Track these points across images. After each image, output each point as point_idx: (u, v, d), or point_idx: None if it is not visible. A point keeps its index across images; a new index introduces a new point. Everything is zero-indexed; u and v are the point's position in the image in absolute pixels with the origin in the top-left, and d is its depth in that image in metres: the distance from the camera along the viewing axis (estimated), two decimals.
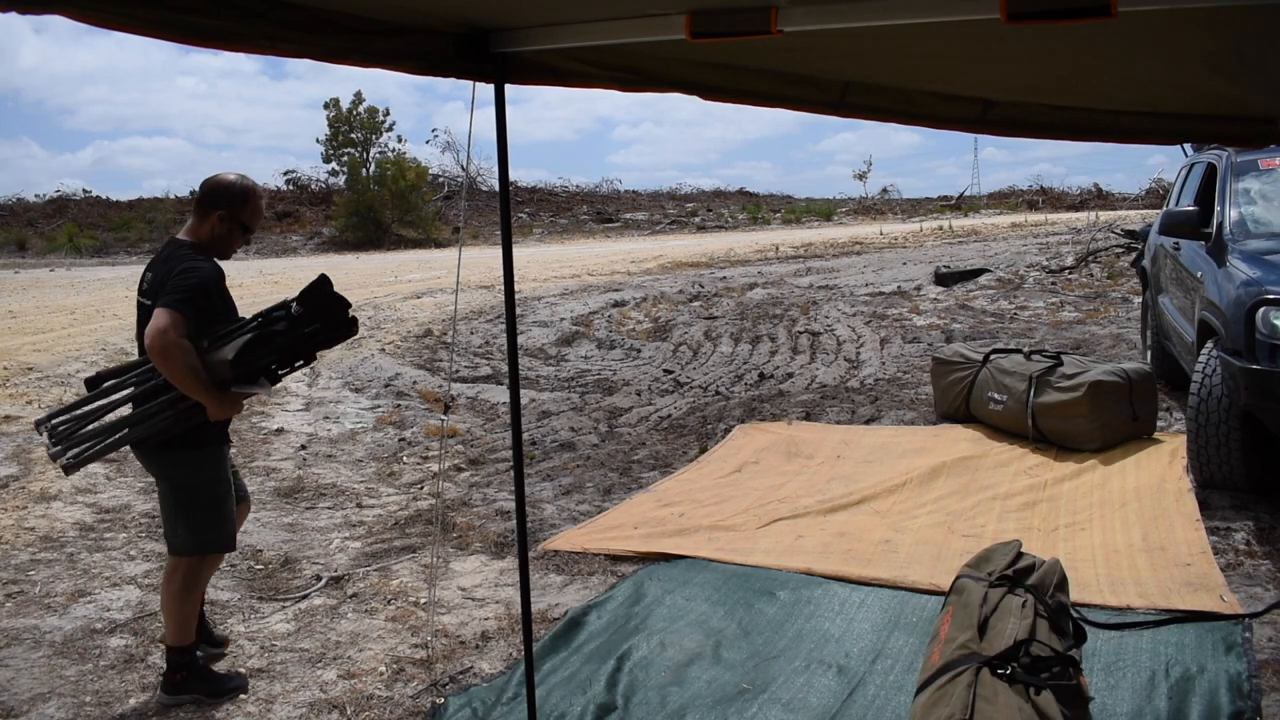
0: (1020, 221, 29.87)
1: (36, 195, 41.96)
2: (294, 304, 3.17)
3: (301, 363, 3.24)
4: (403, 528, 5.02)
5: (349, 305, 3.27)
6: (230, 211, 3.16)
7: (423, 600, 4.04)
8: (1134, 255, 11.53)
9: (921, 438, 6.31)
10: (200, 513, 3.19)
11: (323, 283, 3.21)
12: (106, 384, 3.23)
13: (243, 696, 3.28)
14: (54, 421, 3.15)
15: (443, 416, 6.05)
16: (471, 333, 11.65)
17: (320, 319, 3.19)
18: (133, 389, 3.20)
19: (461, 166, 43.90)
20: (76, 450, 3.07)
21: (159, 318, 2.93)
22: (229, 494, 3.28)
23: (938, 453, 5.82)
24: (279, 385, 3.28)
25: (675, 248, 26.10)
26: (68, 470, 3.07)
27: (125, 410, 3.21)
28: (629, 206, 46.12)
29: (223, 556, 3.41)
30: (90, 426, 3.14)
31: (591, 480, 5.76)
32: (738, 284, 15.60)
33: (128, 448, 3.23)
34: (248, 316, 3.19)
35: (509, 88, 2.56)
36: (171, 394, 3.07)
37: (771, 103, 2.61)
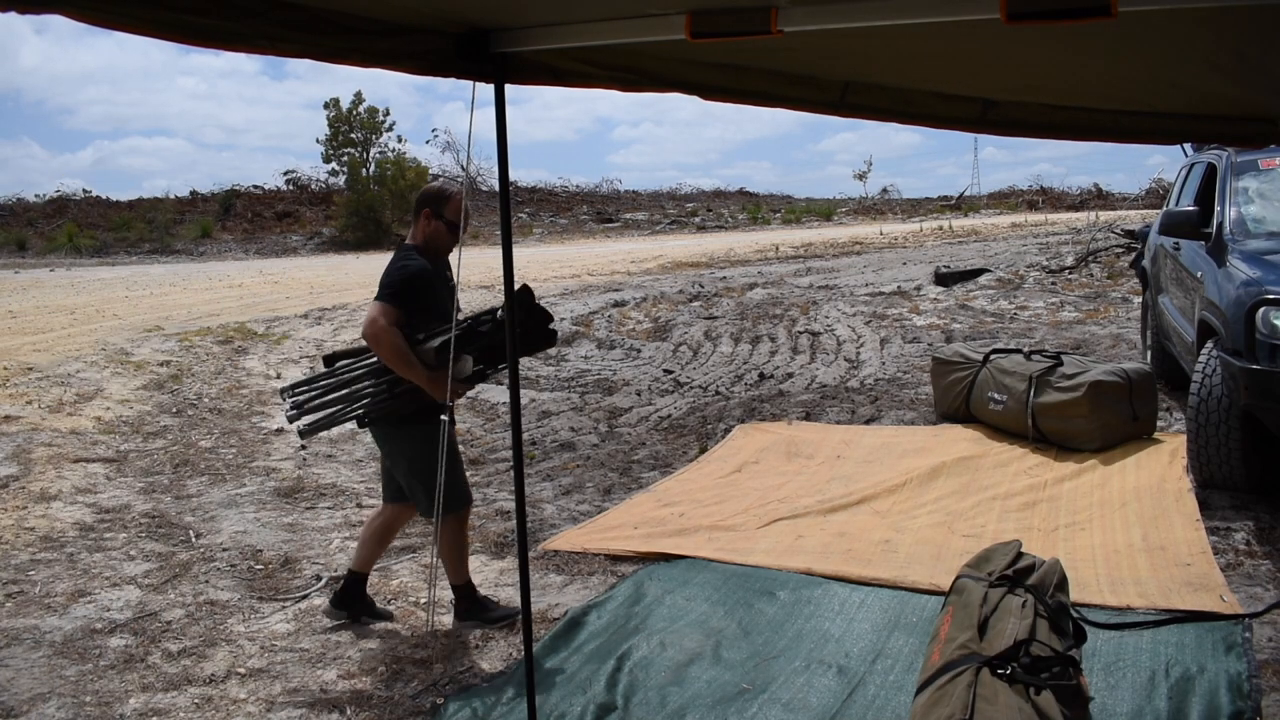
0: (1020, 221, 29.89)
1: (36, 195, 42.00)
2: (499, 311, 3.43)
3: (504, 366, 3.47)
4: (403, 527, 5.01)
5: (550, 319, 3.64)
6: (434, 209, 3.58)
7: (423, 600, 4.04)
8: (1134, 255, 11.53)
9: (921, 438, 6.31)
10: (431, 480, 3.51)
11: (525, 294, 3.48)
12: (340, 364, 3.74)
13: (243, 696, 3.28)
14: (295, 390, 3.66)
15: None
16: None
17: (522, 327, 3.45)
18: (364, 370, 3.66)
19: (461, 166, 43.89)
20: (311, 419, 3.59)
21: (371, 309, 3.43)
22: (455, 460, 3.69)
23: (938, 453, 5.82)
24: (481, 381, 3.67)
25: (675, 248, 26.12)
26: (303, 435, 3.66)
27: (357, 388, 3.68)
28: (629, 206, 46.12)
29: (469, 509, 3.90)
30: (325, 398, 3.62)
31: (591, 480, 5.76)
32: (738, 284, 15.60)
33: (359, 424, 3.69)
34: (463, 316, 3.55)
35: (509, 88, 2.56)
36: (390, 377, 3.52)
37: (771, 103, 2.62)
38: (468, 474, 5.96)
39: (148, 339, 10.85)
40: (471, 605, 3.82)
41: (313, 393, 3.65)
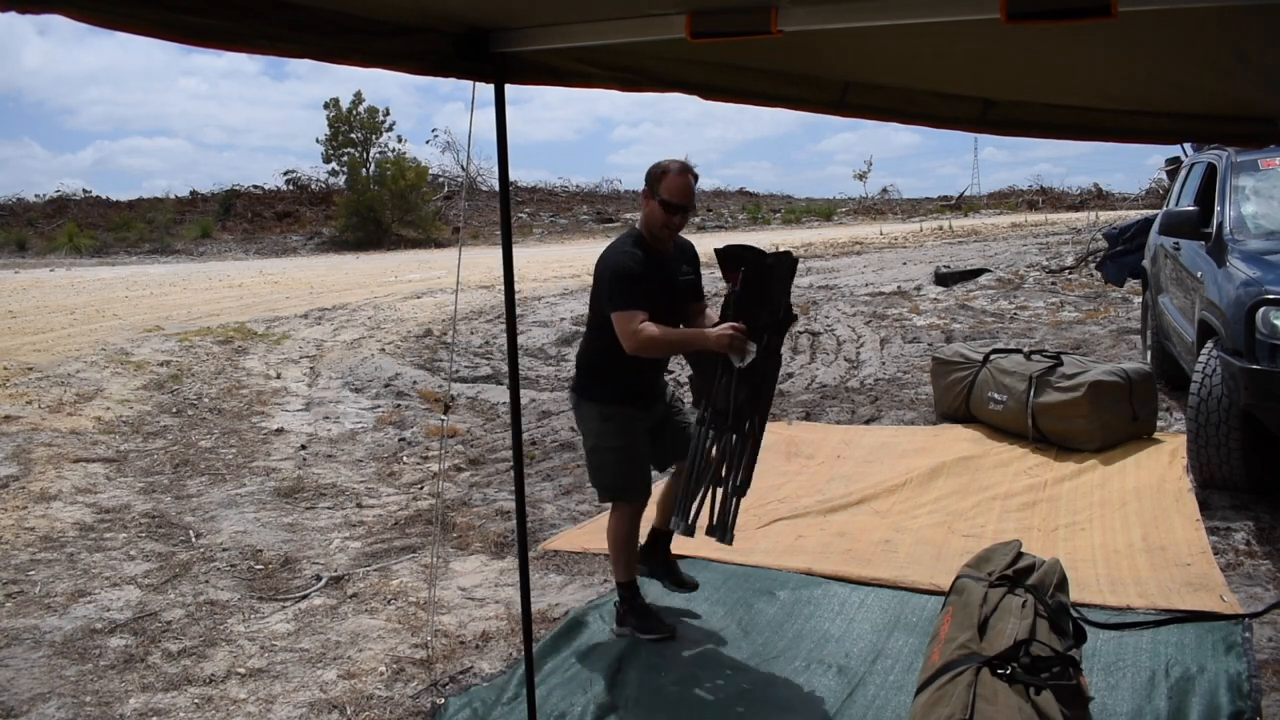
0: (1020, 221, 29.89)
1: (36, 195, 42.02)
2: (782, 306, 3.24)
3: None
4: (403, 528, 5.02)
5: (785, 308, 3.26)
6: (651, 188, 3.35)
7: (423, 600, 4.04)
8: (1099, 255, 11.54)
9: (921, 438, 6.31)
10: (593, 458, 3.49)
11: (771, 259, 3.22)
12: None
13: (243, 696, 3.28)
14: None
15: (443, 416, 6.01)
16: (471, 333, 11.65)
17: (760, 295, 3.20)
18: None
19: (461, 166, 43.91)
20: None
21: (616, 322, 3.20)
22: (628, 452, 3.43)
23: (938, 453, 5.82)
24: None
25: None
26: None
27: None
28: (629, 206, 46.09)
29: (640, 505, 3.53)
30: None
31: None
32: None
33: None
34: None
35: (509, 88, 2.57)
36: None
37: (771, 103, 2.62)
38: (467, 474, 5.98)
39: (148, 339, 10.85)
40: (629, 610, 3.60)
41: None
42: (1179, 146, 7.71)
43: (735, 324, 3.09)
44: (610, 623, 3.68)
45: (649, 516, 3.73)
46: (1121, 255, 9.97)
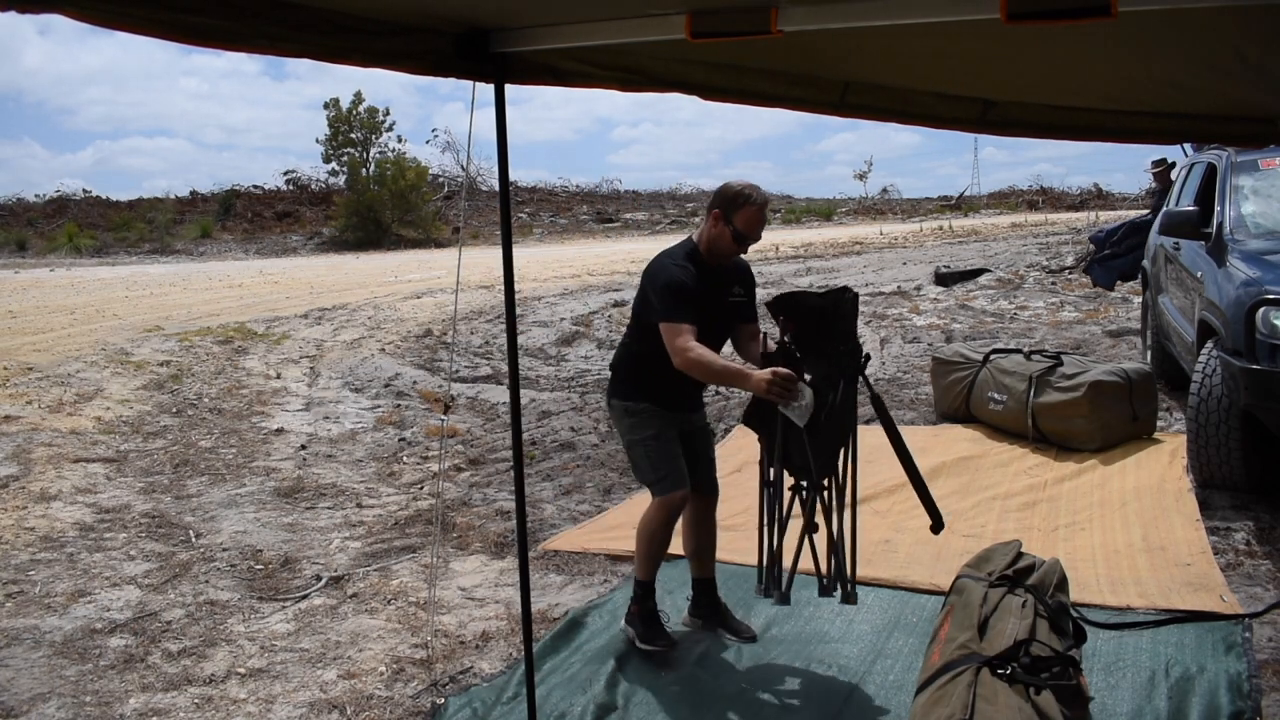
0: (1020, 221, 29.90)
1: (36, 195, 42.03)
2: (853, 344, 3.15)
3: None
4: (403, 528, 5.02)
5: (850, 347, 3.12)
6: (725, 212, 3.21)
7: (423, 600, 4.04)
8: (1084, 260, 11.51)
9: (921, 438, 6.30)
10: (630, 455, 3.47)
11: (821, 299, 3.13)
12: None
13: (243, 696, 3.28)
14: None
15: (443, 416, 6.04)
16: (471, 333, 11.65)
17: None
18: None
19: (461, 166, 43.92)
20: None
21: (665, 334, 3.12)
22: (657, 442, 3.34)
23: (938, 453, 5.82)
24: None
25: None
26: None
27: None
28: (629, 206, 46.12)
29: (680, 499, 3.38)
30: None
31: (591, 480, 5.76)
32: None
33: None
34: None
35: (509, 88, 2.56)
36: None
37: (771, 103, 2.62)
38: (467, 474, 5.98)
39: (148, 339, 10.85)
40: (639, 614, 3.47)
41: None
42: (1179, 146, 7.72)
43: (780, 370, 2.96)
44: (610, 621, 3.68)
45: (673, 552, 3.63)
46: (1110, 259, 9.97)
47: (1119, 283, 10.37)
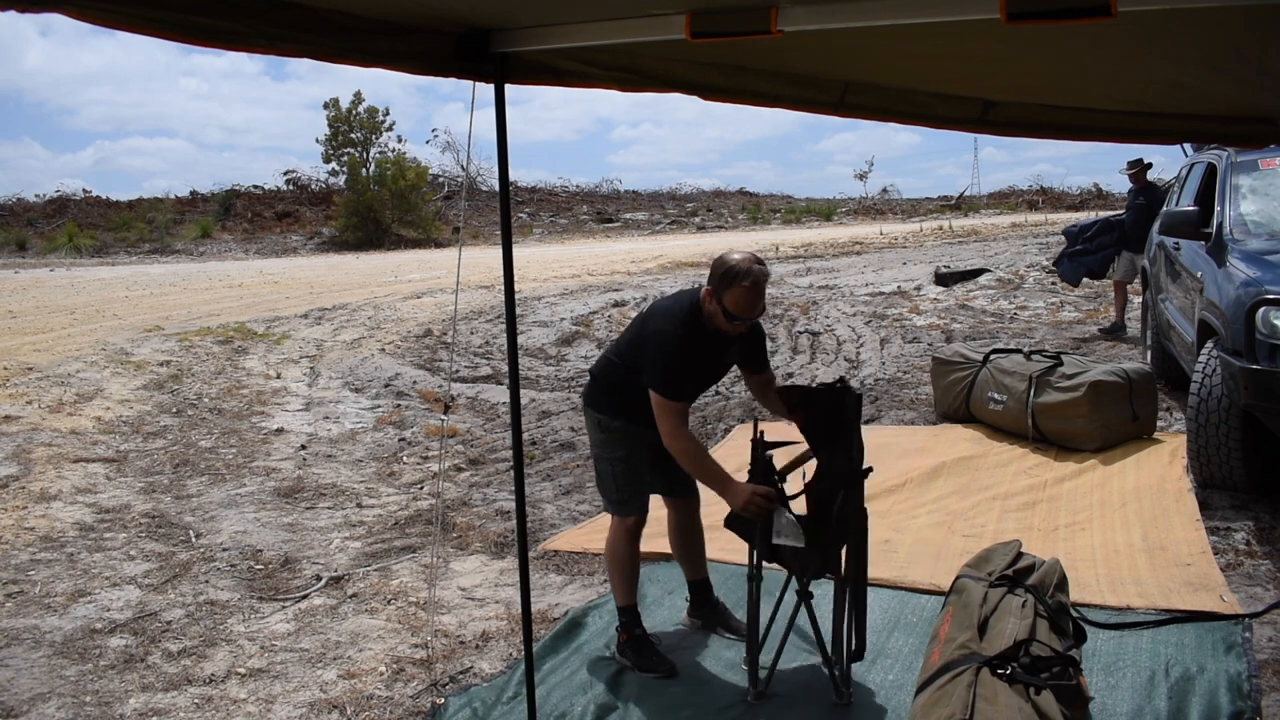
0: (1020, 221, 29.88)
1: (37, 195, 41.98)
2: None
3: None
4: (403, 528, 5.02)
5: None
6: (716, 289, 3.06)
7: (423, 600, 4.04)
8: (1056, 254, 11.46)
9: (921, 438, 6.31)
10: (595, 467, 3.43)
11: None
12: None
13: (243, 696, 3.28)
14: None
15: (443, 416, 6.04)
16: (471, 333, 11.65)
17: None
18: None
19: (461, 166, 43.92)
20: None
21: (656, 407, 3.08)
22: (626, 465, 3.32)
23: (938, 453, 5.82)
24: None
25: (675, 248, 26.10)
26: None
27: None
28: (629, 206, 46.12)
29: (637, 523, 3.38)
30: None
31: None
32: None
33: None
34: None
35: (509, 88, 2.57)
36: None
37: (771, 103, 2.62)
38: (467, 474, 5.98)
39: (148, 339, 10.85)
40: (629, 642, 3.41)
41: None
42: (1179, 146, 7.71)
43: (760, 488, 3.00)
44: (610, 621, 3.67)
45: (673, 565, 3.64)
46: (1079, 255, 9.98)
47: (1085, 279, 10.45)
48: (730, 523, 3.19)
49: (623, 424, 3.31)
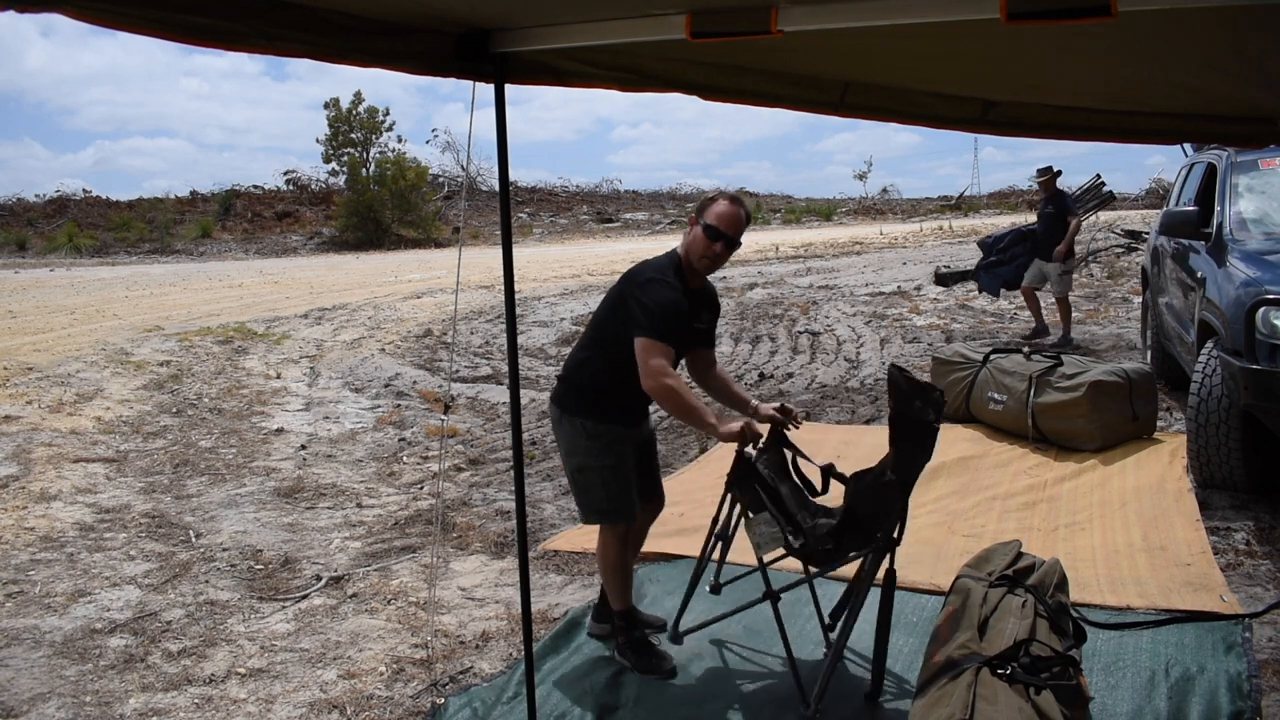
0: (1020, 221, 29.87)
1: (37, 195, 42.01)
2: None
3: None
4: (403, 528, 5.01)
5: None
6: (697, 213, 3.20)
7: (423, 600, 4.04)
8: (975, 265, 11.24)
9: None
10: (580, 478, 3.29)
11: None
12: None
13: (243, 696, 3.28)
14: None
15: (443, 416, 6.04)
16: (471, 333, 11.65)
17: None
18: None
19: (461, 166, 43.92)
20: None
21: (641, 348, 3.01)
22: (617, 471, 3.25)
23: (938, 453, 5.76)
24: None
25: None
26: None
27: None
28: (629, 206, 46.13)
29: (624, 533, 3.34)
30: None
31: None
32: (737, 284, 15.59)
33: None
34: None
35: (509, 88, 2.57)
36: None
37: (771, 103, 2.62)
38: (467, 474, 5.98)
39: (148, 339, 10.85)
40: (628, 644, 3.39)
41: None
42: (1179, 146, 7.71)
43: (753, 424, 3.06)
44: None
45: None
46: (995, 266, 9.91)
47: (1004, 289, 10.35)
48: (733, 483, 3.14)
49: (609, 427, 3.22)
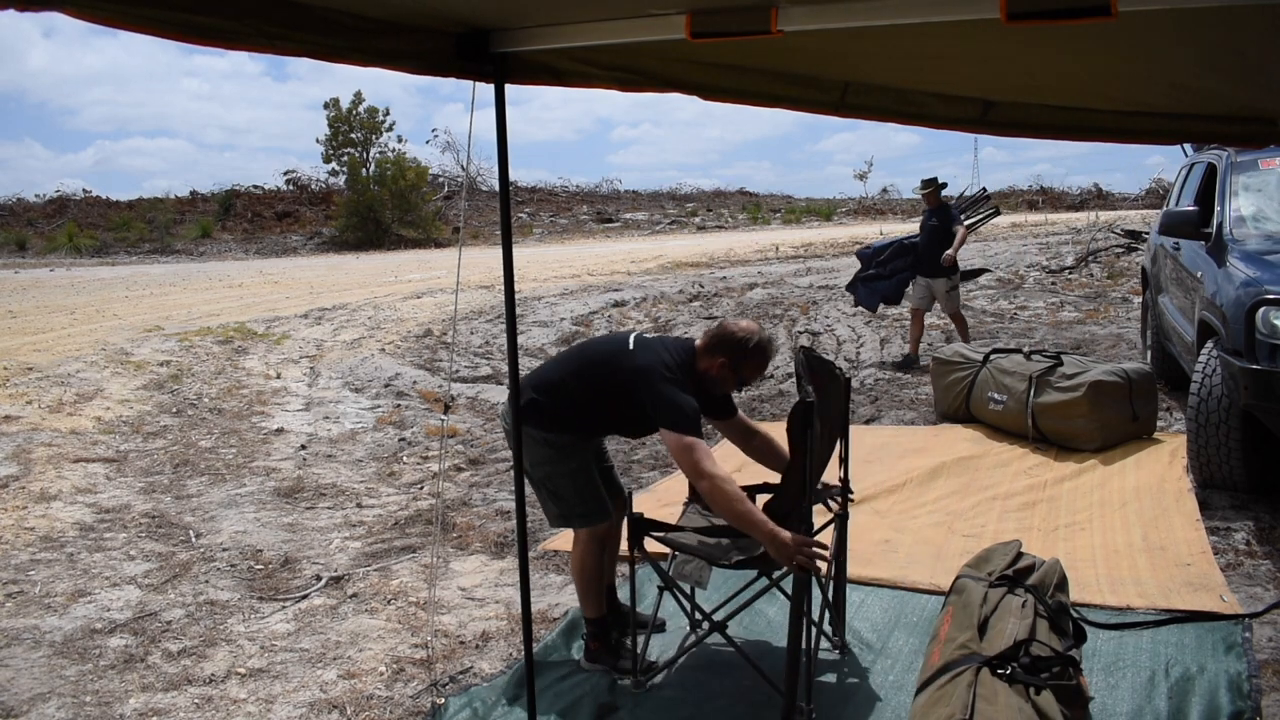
0: (1020, 221, 29.88)
1: (37, 195, 42.05)
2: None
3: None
4: (403, 528, 5.02)
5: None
6: (733, 361, 3.15)
7: (423, 600, 4.04)
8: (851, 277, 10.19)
9: (921, 438, 6.31)
10: (546, 486, 3.27)
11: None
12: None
13: (243, 696, 3.28)
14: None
15: (443, 416, 6.03)
16: (471, 333, 11.65)
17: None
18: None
19: (461, 166, 43.92)
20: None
21: (682, 449, 2.93)
22: (583, 475, 3.25)
23: (938, 453, 5.82)
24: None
25: (675, 248, 26.11)
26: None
27: None
28: (629, 206, 46.14)
29: (603, 529, 3.34)
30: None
31: None
32: (738, 284, 15.60)
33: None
34: None
35: (509, 88, 2.56)
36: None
37: (771, 103, 2.61)
38: (467, 474, 5.98)
39: (148, 339, 10.85)
40: (603, 648, 3.39)
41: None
42: (1179, 146, 7.71)
43: (806, 540, 2.78)
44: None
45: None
46: (873, 280, 9.20)
47: (881, 305, 9.64)
48: (634, 547, 3.13)
49: (570, 437, 3.22)
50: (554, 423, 3.20)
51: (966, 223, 9.34)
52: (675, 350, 3.20)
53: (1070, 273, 14.93)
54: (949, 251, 8.43)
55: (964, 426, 6.40)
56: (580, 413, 3.21)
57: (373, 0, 2.07)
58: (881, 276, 9.12)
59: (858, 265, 9.70)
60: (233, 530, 5.02)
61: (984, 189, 11.13)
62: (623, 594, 3.61)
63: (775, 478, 3.25)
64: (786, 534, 2.78)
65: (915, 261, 8.81)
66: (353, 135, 38.28)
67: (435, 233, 36.87)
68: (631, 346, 3.18)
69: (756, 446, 3.43)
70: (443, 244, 35.20)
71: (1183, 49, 2.19)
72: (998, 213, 11.13)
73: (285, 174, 46.47)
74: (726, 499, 2.86)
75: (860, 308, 10.13)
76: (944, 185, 8.92)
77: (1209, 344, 4.95)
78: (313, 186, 42.79)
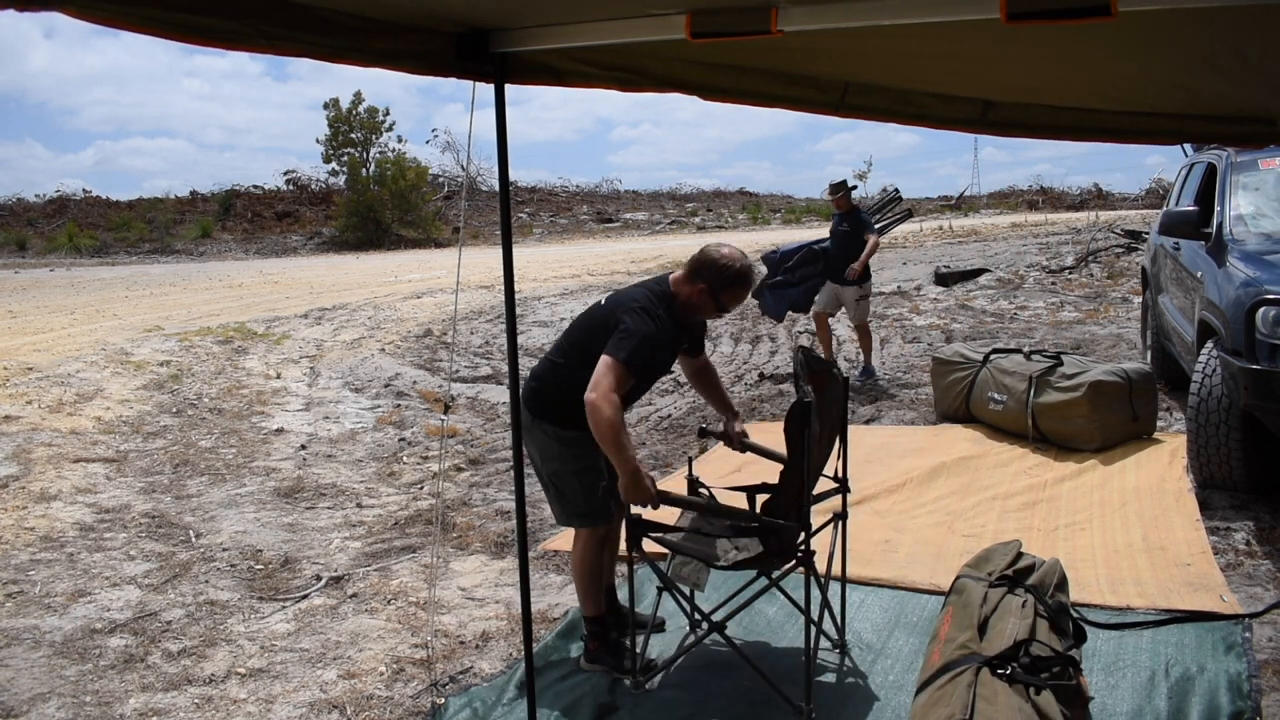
0: (1020, 221, 29.88)
1: (37, 195, 42.05)
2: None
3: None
4: (403, 528, 5.02)
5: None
6: (712, 287, 3.20)
7: (423, 600, 4.04)
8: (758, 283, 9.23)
9: (921, 438, 6.31)
10: (556, 483, 3.29)
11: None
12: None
13: (243, 696, 3.28)
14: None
15: (443, 416, 6.03)
16: (471, 333, 11.65)
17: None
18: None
19: (461, 166, 43.93)
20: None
21: (602, 367, 2.96)
22: (593, 474, 3.23)
23: (938, 453, 5.82)
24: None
25: (675, 248, 26.09)
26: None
27: None
28: (629, 206, 46.13)
29: (603, 535, 3.38)
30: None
31: None
32: None
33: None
34: None
35: (509, 88, 2.56)
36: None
37: (771, 103, 2.61)
38: (467, 474, 5.98)
39: (148, 339, 10.85)
40: (602, 646, 3.40)
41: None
42: (1179, 146, 7.71)
43: (655, 490, 2.96)
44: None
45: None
46: (781, 286, 8.64)
47: (790, 313, 9.10)
48: (631, 547, 3.12)
49: (578, 433, 3.14)
50: (559, 415, 3.21)
51: (877, 226, 8.92)
52: (647, 286, 3.31)
53: (1070, 273, 14.93)
54: (854, 265, 7.98)
55: (964, 426, 6.40)
56: (578, 392, 3.13)
57: (372, 0, 2.07)
58: (790, 284, 8.63)
59: None
60: (233, 530, 5.02)
61: (896, 190, 10.85)
62: (622, 594, 3.62)
63: (775, 478, 3.25)
64: (647, 480, 2.96)
65: (825, 269, 8.36)
66: (353, 135, 38.27)
67: (435, 233, 36.86)
68: (603, 301, 3.30)
69: (702, 383, 3.63)
70: (443, 244, 35.19)
71: (1183, 49, 2.19)
72: (910, 215, 10.84)
73: (285, 174, 46.51)
74: (611, 422, 2.90)
75: (767, 316, 9.39)
76: (854, 188, 8.43)
77: (1209, 344, 4.95)
78: (313, 187, 42.78)
